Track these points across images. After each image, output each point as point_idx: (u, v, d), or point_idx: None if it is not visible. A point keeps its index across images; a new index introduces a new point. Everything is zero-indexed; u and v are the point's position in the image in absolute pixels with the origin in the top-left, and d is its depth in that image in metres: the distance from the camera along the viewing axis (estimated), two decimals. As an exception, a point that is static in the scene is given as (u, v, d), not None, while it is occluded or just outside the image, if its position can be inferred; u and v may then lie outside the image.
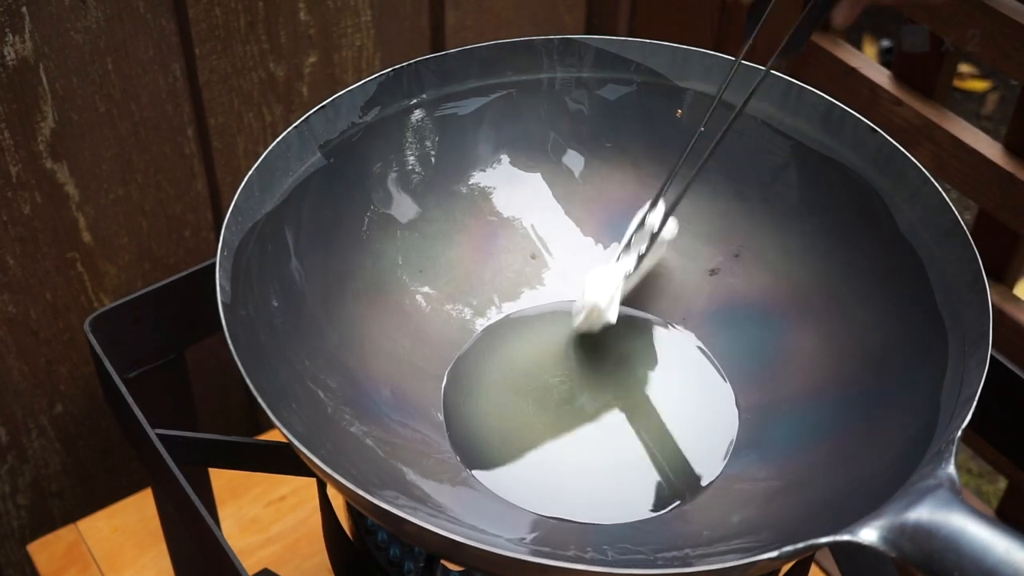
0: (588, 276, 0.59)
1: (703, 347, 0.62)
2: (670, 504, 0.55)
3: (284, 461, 0.58)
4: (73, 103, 0.70)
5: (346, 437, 0.53)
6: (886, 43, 1.78)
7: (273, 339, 0.54)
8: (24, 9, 0.65)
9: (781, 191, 0.62)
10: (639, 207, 0.65)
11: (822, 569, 0.79)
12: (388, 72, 0.61)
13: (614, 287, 0.59)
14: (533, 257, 0.65)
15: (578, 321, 0.60)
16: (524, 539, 0.52)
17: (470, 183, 0.64)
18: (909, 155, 0.57)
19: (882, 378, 0.55)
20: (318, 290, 0.58)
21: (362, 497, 0.44)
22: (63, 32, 0.67)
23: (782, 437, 0.56)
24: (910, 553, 0.42)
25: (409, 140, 0.63)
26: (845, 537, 0.43)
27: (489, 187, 0.65)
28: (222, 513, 0.78)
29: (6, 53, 0.66)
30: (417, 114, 0.62)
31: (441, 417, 0.58)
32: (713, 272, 0.63)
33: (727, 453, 0.57)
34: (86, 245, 0.76)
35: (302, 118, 0.58)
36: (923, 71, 0.78)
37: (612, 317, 0.59)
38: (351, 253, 0.60)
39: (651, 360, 0.61)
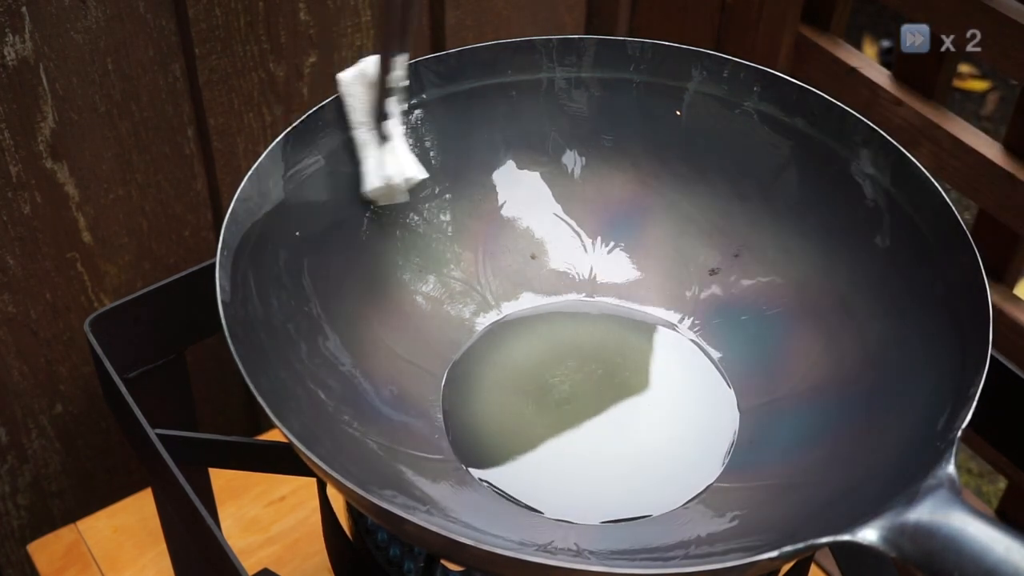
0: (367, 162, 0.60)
1: (703, 347, 0.62)
2: (670, 504, 0.55)
3: (284, 461, 0.58)
4: (73, 103, 0.70)
5: (345, 437, 0.53)
6: (886, 43, 1.78)
7: (273, 339, 0.54)
8: (24, 9, 0.65)
9: (781, 191, 0.62)
10: (639, 207, 0.65)
11: (822, 569, 0.79)
12: (388, 72, 0.61)
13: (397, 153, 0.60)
14: (533, 257, 0.65)
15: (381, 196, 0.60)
16: (523, 539, 0.52)
17: (470, 183, 0.64)
18: (909, 155, 0.57)
19: (882, 378, 0.55)
20: (318, 290, 0.58)
21: (362, 496, 0.44)
22: (63, 32, 0.67)
23: (782, 437, 0.56)
24: (910, 553, 0.42)
25: (408, 140, 0.63)
26: (845, 537, 0.43)
27: (489, 187, 0.65)
28: (222, 513, 0.78)
29: (6, 53, 0.66)
30: (416, 114, 0.62)
31: (441, 417, 0.58)
32: (713, 272, 0.63)
33: (727, 453, 0.57)
34: (86, 245, 0.76)
35: (302, 118, 0.58)
36: (923, 71, 0.78)
37: (419, 172, 0.60)
38: (351, 253, 0.60)
39: (651, 360, 0.61)
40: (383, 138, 0.59)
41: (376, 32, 0.60)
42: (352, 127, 0.60)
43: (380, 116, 0.59)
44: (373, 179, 0.59)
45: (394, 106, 0.59)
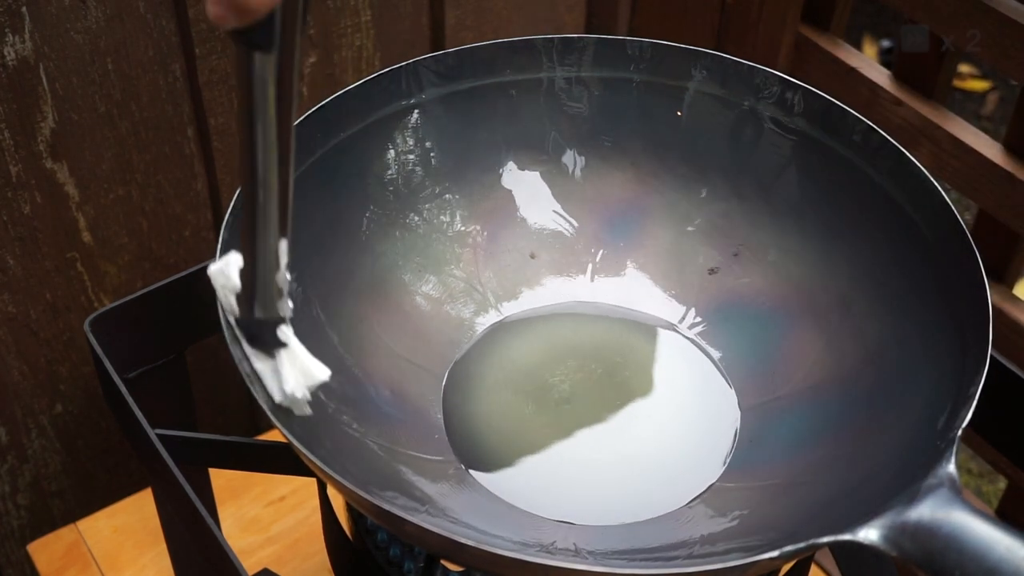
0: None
1: (703, 346, 0.62)
2: (671, 504, 0.55)
3: (284, 461, 0.58)
4: (73, 103, 0.70)
5: (345, 437, 0.53)
6: (886, 43, 1.78)
7: (273, 339, 0.54)
8: (24, 9, 0.65)
9: (781, 190, 0.62)
10: (639, 206, 0.65)
11: (822, 569, 0.79)
12: (387, 72, 0.61)
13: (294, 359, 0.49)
14: (533, 257, 0.65)
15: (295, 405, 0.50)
16: (524, 540, 0.52)
17: (470, 183, 0.64)
18: (909, 155, 0.57)
19: (882, 377, 0.55)
20: (318, 290, 0.58)
21: (362, 497, 0.44)
22: (63, 32, 0.67)
23: (783, 437, 0.56)
24: (911, 552, 0.42)
25: (408, 140, 0.63)
26: (846, 537, 0.43)
27: (489, 187, 0.65)
28: (222, 513, 0.78)
29: (6, 53, 0.66)
30: (416, 114, 0.62)
31: (440, 417, 0.58)
32: (713, 272, 0.63)
33: (728, 453, 0.57)
34: (86, 245, 0.76)
35: (301, 118, 0.58)
36: (923, 71, 0.78)
37: (324, 373, 0.50)
38: (351, 253, 0.60)
39: (651, 360, 0.61)
40: (277, 346, 0.49)
41: (245, 227, 0.46)
42: (237, 332, 0.49)
43: (269, 328, 0.48)
44: (276, 394, 0.49)
45: (285, 308, 0.49)
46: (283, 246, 0.47)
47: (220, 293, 0.49)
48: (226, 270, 0.48)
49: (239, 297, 0.48)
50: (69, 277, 0.76)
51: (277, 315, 0.48)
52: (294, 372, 0.49)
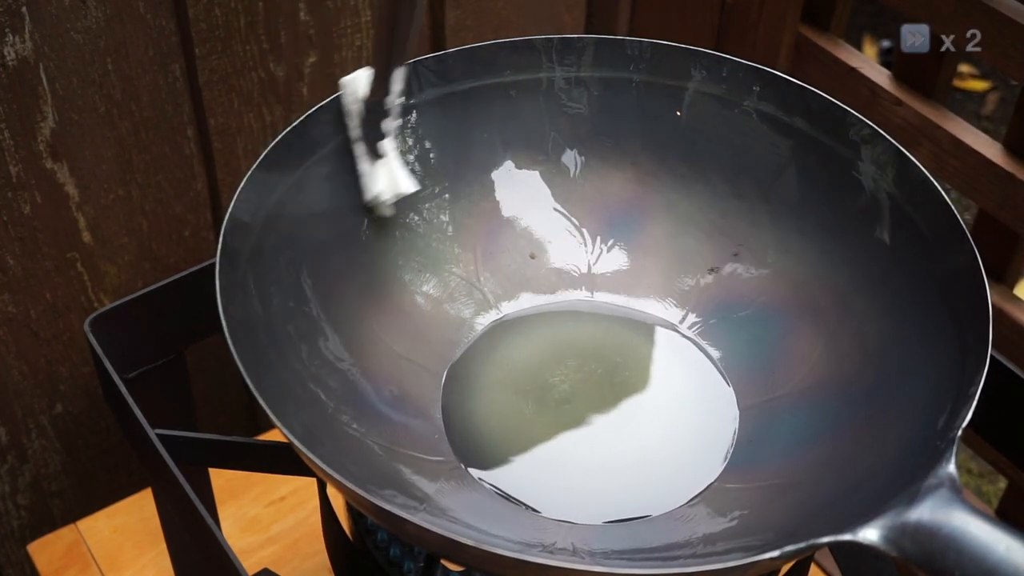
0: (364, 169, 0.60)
1: (703, 346, 0.62)
2: (671, 504, 0.55)
3: (284, 461, 0.58)
4: (73, 103, 0.70)
5: (346, 437, 0.53)
6: (886, 43, 1.78)
7: (273, 339, 0.54)
8: (24, 9, 0.65)
9: (780, 190, 0.62)
10: (639, 206, 0.65)
11: (822, 569, 0.79)
12: (388, 72, 0.61)
13: (392, 167, 0.60)
14: (532, 257, 0.65)
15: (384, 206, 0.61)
16: (523, 539, 0.52)
17: (469, 183, 0.64)
18: (909, 155, 0.57)
19: (882, 377, 0.55)
20: (318, 290, 0.58)
21: (362, 497, 0.44)
22: (63, 32, 0.67)
23: (782, 436, 0.56)
24: (911, 552, 0.42)
25: (408, 140, 0.63)
26: (846, 537, 0.43)
27: (488, 187, 0.65)
28: (222, 513, 0.78)
29: (6, 53, 0.66)
30: (416, 114, 0.62)
31: (440, 417, 0.58)
32: (713, 271, 0.63)
33: (727, 453, 0.57)
34: (86, 245, 0.76)
35: (301, 118, 0.58)
36: (923, 71, 0.78)
37: (410, 187, 0.60)
38: (351, 253, 0.60)
39: (651, 360, 0.61)
40: (377, 155, 0.59)
41: (373, 47, 0.60)
42: (350, 135, 0.60)
43: (374, 137, 0.59)
44: (367, 192, 0.60)
45: (390, 125, 0.59)
46: (399, 74, 0.57)
47: (346, 100, 0.59)
48: (357, 77, 0.59)
49: (368, 88, 0.58)
50: (69, 277, 0.76)
51: (392, 104, 0.58)
52: (386, 178, 0.59)
